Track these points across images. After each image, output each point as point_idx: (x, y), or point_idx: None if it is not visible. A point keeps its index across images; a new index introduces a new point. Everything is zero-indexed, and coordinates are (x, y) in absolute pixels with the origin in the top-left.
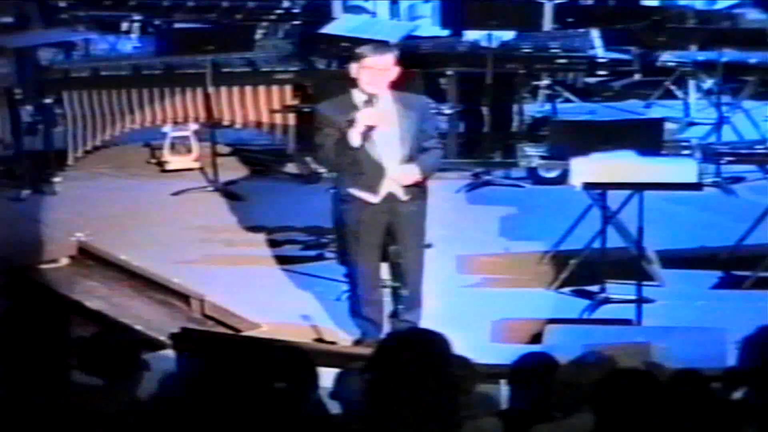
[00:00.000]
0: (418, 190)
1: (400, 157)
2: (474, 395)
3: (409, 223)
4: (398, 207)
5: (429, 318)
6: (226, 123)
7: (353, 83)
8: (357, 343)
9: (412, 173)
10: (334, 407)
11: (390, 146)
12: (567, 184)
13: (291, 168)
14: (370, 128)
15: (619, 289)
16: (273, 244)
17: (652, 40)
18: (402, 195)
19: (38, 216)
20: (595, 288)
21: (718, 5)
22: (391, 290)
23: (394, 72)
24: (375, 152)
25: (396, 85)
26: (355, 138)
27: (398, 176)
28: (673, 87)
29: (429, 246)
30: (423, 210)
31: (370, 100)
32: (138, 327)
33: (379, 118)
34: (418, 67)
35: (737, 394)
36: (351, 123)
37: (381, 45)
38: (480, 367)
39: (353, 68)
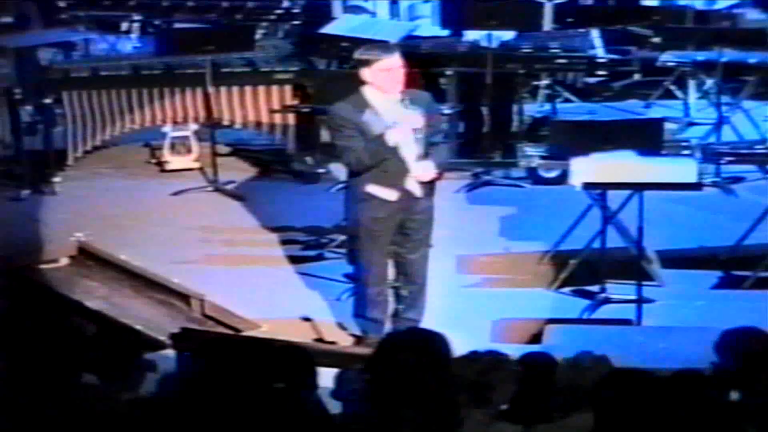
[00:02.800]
0: (430, 186)
1: (416, 154)
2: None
3: (422, 219)
4: (414, 204)
5: (429, 318)
6: (226, 123)
7: (359, 82)
8: (358, 339)
9: (430, 169)
10: (334, 407)
11: (407, 144)
12: (567, 184)
13: (291, 168)
14: (414, 130)
15: (619, 289)
16: (273, 244)
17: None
18: (418, 192)
19: (38, 216)
20: (595, 288)
21: (718, 5)
22: (393, 290)
23: (404, 69)
24: (394, 151)
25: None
26: (393, 139)
27: (418, 174)
28: (673, 87)
29: (429, 246)
30: (433, 206)
31: (404, 101)
32: (138, 327)
33: (419, 119)
34: (418, 67)
35: (736, 395)
36: (394, 124)
37: (387, 45)
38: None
39: (366, 73)
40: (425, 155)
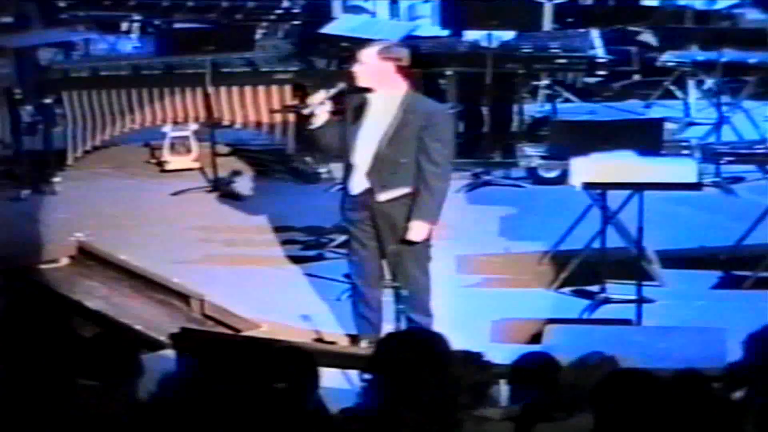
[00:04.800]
0: (404, 195)
1: (371, 154)
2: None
3: (388, 224)
4: (376, 205)
5: None
6: (226, 123)
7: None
8: (352, 339)
9: (421, 229)
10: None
11: (368, 142)
12: (567, 184)
13: (291, 168)
14: (333, 113)
15: (619, 289)
16: (273, 244)
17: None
18: (377, 193)
19: (38, 216)
20: (595, 288)
21: (718, 5)
22: (393, 290)
23: (378, 67)
24: (354, 146)
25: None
26: (314, 121)
27: (409, 235)
28: (673, 87)
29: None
30: (406, 220)
31: (340, 92)
32: (138, 327)
33: (327, 105)
34: (418, 67)
35: (737, 394)
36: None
37: (367, 43)
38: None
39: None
40: (383, 158)
